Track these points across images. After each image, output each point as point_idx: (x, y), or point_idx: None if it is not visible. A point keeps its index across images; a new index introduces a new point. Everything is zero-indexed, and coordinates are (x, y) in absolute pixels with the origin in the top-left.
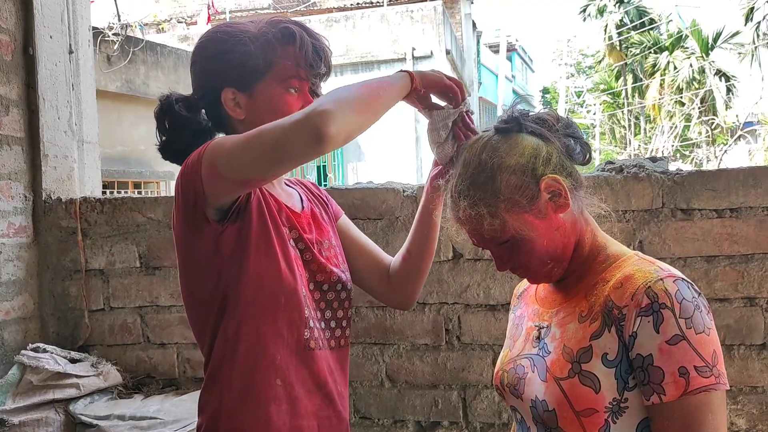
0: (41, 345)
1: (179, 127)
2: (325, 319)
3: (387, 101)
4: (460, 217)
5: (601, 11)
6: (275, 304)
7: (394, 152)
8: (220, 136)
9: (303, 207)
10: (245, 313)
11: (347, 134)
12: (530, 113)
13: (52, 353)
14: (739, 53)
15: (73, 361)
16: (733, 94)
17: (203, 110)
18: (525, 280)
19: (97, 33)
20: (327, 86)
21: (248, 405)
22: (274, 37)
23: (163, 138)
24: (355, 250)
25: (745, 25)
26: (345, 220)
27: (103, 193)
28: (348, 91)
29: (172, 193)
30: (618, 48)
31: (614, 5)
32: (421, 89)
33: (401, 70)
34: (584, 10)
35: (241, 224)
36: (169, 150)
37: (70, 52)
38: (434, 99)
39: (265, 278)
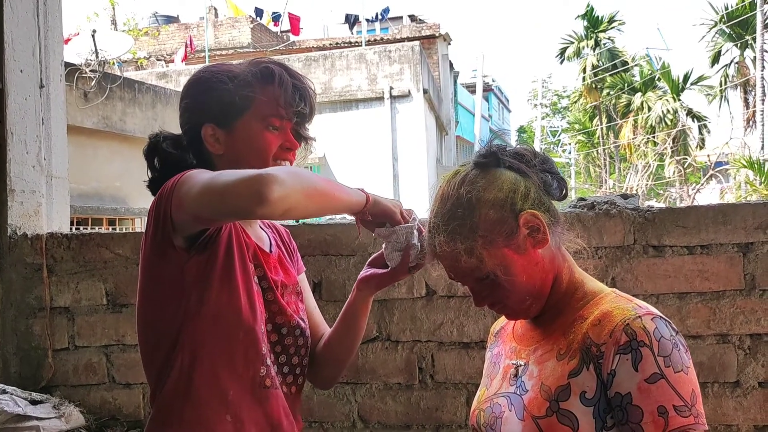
0: (1, 386)
1: (166, 165)
2: (278, 363)
3: (336, 205)
4: (437, 252)
5: (578, 53)
6: (233, 338)
7: (372, 190)
8: (198, 170)
9: (271, 251)
10: (201, 346)
11: (288, 207)
12: (508, 148)
13: (12, 394)
14: (708, 95)
15: (34, 402)
16: (704, 134)
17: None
18: (502, 318)
19: (74, 69)
20: (313, 127)
21: None
22: (254, 76)
23: (153, 174)
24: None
25: (712, 67)
26: (304, 278)
27: (77, 229)
28: (308, 175)
29: (144, 229)
30: (594, 88)
31: (591, 48)
32: (368, 216)
33: (363, 190)
34: (562, 53)
35: (208, 255)
36: (157, 187)
37: (41, 86)
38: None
39: (224, 311)
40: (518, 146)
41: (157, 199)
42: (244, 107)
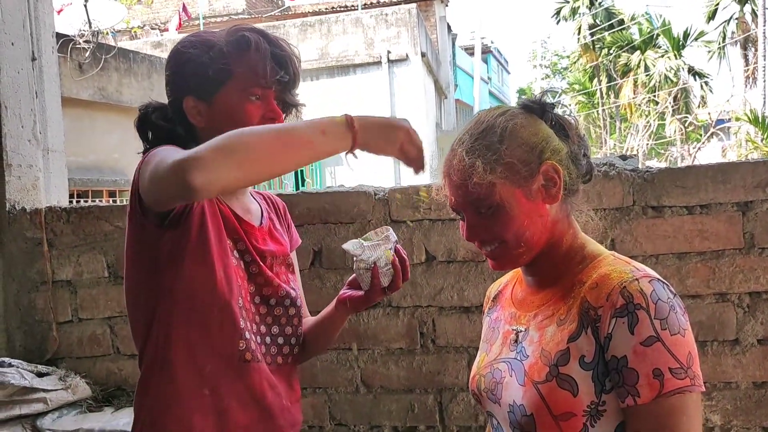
0: (6, 359)
1: (157, 136)
2: (271, 333)
3: (300, 159)
4: (453, 165)
5: (573, 13)
6: (208, 313)
7: (373, 157)
8: (164, 147)
9: (262, 222)
10: (176, 320)
11: (222, 187)
12: (556, 109)
13: (18, 367)
14: (709, 51)
15: (40, 375)
16: (705, 92)
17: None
18: (498, 282)
19: (67, 40)
20: (302, 90)
21: (173, 414)
22: (230, 46)
23: (146, 145)
24: None
25: (708, 23)
26: (294, 255)
27: (77, 201)
28: (245, 138)
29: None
30: (592, 48)
31: (586, 7)
32: (356, 150)
33: (350, 121)
34: (558, 13)
35: (182, 231)
36: None
37: (33, 59)
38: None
39: (199, 287)
40: (566, 113)
41: (134, 175)
42: (223, 79)
